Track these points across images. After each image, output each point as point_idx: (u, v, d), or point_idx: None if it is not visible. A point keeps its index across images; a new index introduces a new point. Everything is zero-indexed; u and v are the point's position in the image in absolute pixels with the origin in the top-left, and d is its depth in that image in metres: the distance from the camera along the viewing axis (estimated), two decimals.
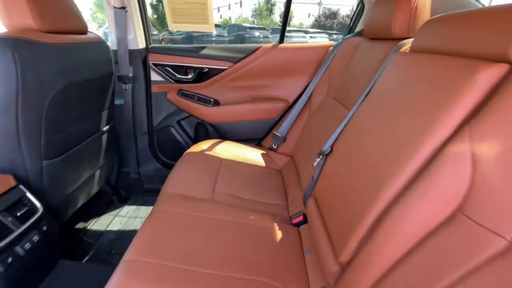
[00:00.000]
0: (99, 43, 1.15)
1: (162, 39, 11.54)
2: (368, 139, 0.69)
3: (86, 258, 1.24)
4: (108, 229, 1.44)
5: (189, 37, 10.64)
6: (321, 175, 0.91)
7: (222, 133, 1.64)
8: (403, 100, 0.61)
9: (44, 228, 0.91)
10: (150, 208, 1.61)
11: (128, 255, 0.71)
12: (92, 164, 1.26)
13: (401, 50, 0.80)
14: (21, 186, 0.89)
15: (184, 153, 1.32)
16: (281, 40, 1.57)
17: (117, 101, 1.48)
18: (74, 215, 1.29)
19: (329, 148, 0.89)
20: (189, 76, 1.53)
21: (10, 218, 0.81)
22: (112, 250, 1.29)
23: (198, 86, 1.57)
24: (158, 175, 1.69)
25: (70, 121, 1.02)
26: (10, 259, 0.78)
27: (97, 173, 1.35)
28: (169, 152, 1.70)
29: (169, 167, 1.67)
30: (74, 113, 1.03)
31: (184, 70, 1.53)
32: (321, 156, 0.91)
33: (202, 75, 1.54)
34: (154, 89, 1.56)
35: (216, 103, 1.61)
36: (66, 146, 1.03)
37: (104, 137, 1.31)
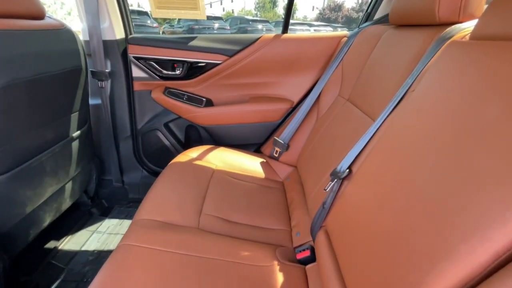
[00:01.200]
0: (62, 31, 0.94)
1: (163, 32, 11.26)
2: (415, 170, 0.47)
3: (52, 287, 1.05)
4: (83, 248, 1.24)
5: (190, 30, 10.36)
6: (336, 203, 0.70)
7: (216, 137, 1.43)
8: (480, 117, 0.39)
9: None
10: None
11: None
12: (59, 176, 1.06)
13: (453, 38, 0.58)
14: None
15: (169, 163, 1.11)
16: (285, 30, 1.34)
17: (93, 101, 1.28)
18: (43, 232, 1.10)
19: (347, 170, 0.68)
20: (177, 72, 1.32)
21: None
22: (84, 278, 1.10)
23: (188, 83, 1.36)
24: (145, 184, 1.49)
25: (19, 129, 0.81)
26: None
27: (68, 185, 1.15)
28: (156, 158, 1.50)
29: (157, 174, 1.47)
30: (24, 118, 0.82)
31: (171, 64, 1.31)
32: (335, 179, 0.70)
33: (192, 71, 1.33)
34: (136, 86, 1.35)
35: (209, 103, 1.39)
36: (15, 160, 0.83)
37: (75, 144, 1.11)
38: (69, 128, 1.06)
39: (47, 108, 0.91)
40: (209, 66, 1.31)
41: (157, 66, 1.30)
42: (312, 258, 0.76)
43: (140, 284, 0.60)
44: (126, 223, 1.41)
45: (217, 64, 1.31)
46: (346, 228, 0.62)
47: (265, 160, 1.27)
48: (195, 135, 1.47)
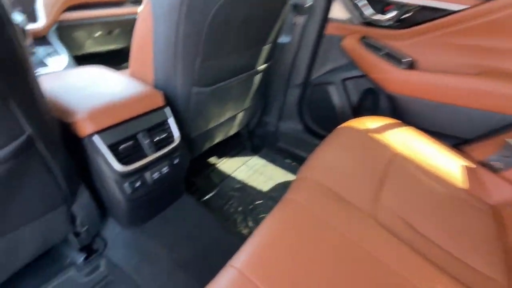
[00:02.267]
0: None
1: None
2: None
3: (207, 197, 1.20)
4: (233, 175, 1.36)
5: None
6: None
7: (401, 113, 1.12)
8: None
9: (176, 161, 0.83)
10: (276, 169, 1.41)
11: (235, 263, 0.48)
12: (237, 105, 1.11)
13: None
14: (168, 109, 0.80)
15: (339, 127, 0.94)
16: None
17: (281, 39, 1.22)
18: (210, 149, 1.25)
19: None
20: (387, 17, 1.03)
21: (147, 141, 0.74)
22: (229, 200, 1.20)
23: (394, 34, 1.06)
24: (297, 138, 1.42)
25: (226, 49, 0.82)
26: (138, 184, 0.73)
27: (240, 115, 1.21)
28: (319, 116, 1.37)
29: (313, 134, 1.36)
30: (231, 40, 0.82)
31: (381, 6, 1.03)
32: None
33: (407, 19, 1.00)
34: (329, 29, 1.17)
35: (411, 65, 1.06)
36: (217, 77, 0.88)
37: (257, 77, 1.10)
38: (258, 60, 1.04)
39: (249, 34, 0.88)
40: (438, 14, 0.94)
41: (363, 5, 1.06)
42: None
43: (296, 251, 0.50)
44: (270, 167, 1.43)
45: (452, 13, 0.92)
46: None
47: (470, 166, 0.88)
48: (373, 103, 1.21)
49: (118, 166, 0.67)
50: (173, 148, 0.79)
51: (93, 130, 0.63)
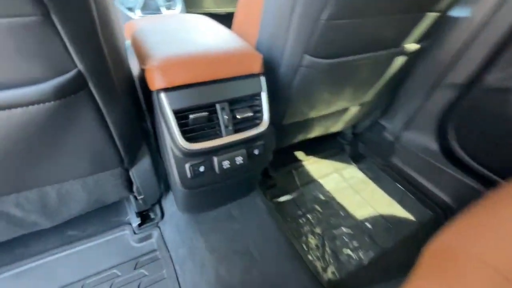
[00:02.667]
0: None
1: None
2: None
3: (282, 199, 0.97)
4: (320, 181, 1.07)
5: None
6: None
7: None
8: None
9: (258, 151, 0.61)
10: (379, 192, 1.04)
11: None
12: (357, 92, 0.79)
13: None
14: (264, 80, 0.58)
15: None
16: None
17: (455, 9, 0.79)
18: (301, 143, 0.99)
19: None
20: None
21: (226, 117, 0.54)
22: (308, 212, 0.93)
23: None
24: (424, 161, 1.00)
25: (363, 6, 0.51)
26: (201, 168, 0.55)
27: (354, 109, 0.89)
28: (479, 142, 0.89)
29: (457, 164, 0.92)
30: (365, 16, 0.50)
31: None
32: None
33: None
34: None
35: None
36: (341, 47, 0.59)
37: (399, 61, 0.75)
38: (407, 35, 0.68)
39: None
40: None
41: None
42: None
43: None
44: (372, 186, 1.07)
45: None
46: None
47: None
48: None
49: (181, 141, 0.50)
50: (258, 134, 0.57)
51: (162, 85, 0.47)
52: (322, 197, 1.00)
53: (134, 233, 0.80)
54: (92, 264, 0.73)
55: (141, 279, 0.72)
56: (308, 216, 0.93)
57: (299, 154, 1.16)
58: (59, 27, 0.32)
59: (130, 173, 0.60)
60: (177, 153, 0.52)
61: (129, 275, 0.73)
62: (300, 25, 0.52)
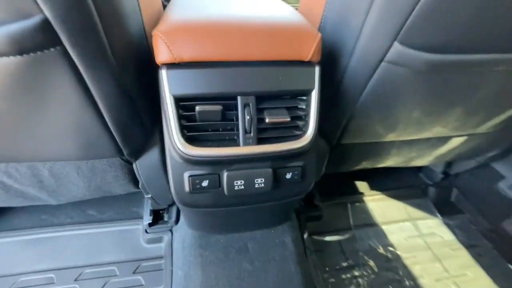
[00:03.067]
0: None
1: None
2: None
3: (325, 238, 0.74)
4: (384, 228, 0.80)
5: None
6: None
7: None
8: None
9: (291, 175, 0.42)
10: (474, 266, 0.71)
11: None
12: (462, 119, 0.51)
13: None
14: (318, 71, 0.38)
15: None
16: None
17: None
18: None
19: None
20: None
21: (248, 118, 0.36)
22: (357, 267, 0.68)
23: None
24: None
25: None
26: (204, 183, 0.39)
27: (459, 140, 0.61)
28: None
29: None
30: None
31: None
32: None
33: None
34: None
35: None
36: (445, 45, 0.35)
37: None
38: None
39: None
40: None
41: None
42: None
43: None
44: (462, 253, 0.74)
45: None
46: None
47: None
48: None
49: (178, 140, 0.35)
50: (294, 150, 0.38)
51: (166, 58, 0.33)
52: (381, 250, 0.73)
53: (146, 231, 0.72)
54: (98, 252, 0.69)
55: None
56: (356, 272, 0.68)
57: (360, 184, 0.90)
58: None
59: (134, 167, 0.49)
60: (175, 155, 0.38)
61: (125, 278, 0.67)
62: None
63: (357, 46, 0.39)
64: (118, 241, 0.73)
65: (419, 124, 0.52)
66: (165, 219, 0.72)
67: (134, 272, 0.68)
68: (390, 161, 0.69)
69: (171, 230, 0.72)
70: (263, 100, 0.37)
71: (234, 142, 0.37)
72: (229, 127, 0.37)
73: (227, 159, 0.37)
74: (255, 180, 0.39)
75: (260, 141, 0.37)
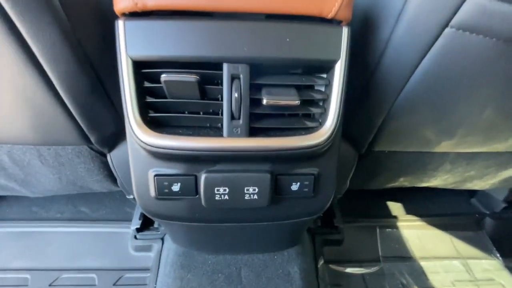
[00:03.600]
0: None
1: None
2: None
3: (347, 270, 0.59)
4: (423, 265, 0.63)
5: None
6: None
7: None
8: None
9: (297, 185, 0.29)
10: None
11: None
12: None
13: None
14: (345, 32, 0.26)
15: None
16: None
17: None
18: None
19: None
20: None
21: (236, 95, 0.25)
22: None
23: None
24: None
25: None
26: (175, 187, 0.28)
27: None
28: None
29: None
30: None
31: None
32: None
33: None
34: None
35: None
36: None
37: None
38: None
39: None
40: None
41: None
42: None
43: None
44: None
45: None
46: None
47: None
48: None
49: (136, 125, 0.25)
50: (306, 149, 0.26)
51: (126, 4, 0.23)
52: None
53: (135, 237, 0.63)
54: (81, 254, 0.63)
55: None
56: None
57: (394, 205, 0.74)
58: None
59: (108, 159, 0.40)
60: (135, 146, 0.27)
61: None
62: None
63: (406, 9, 0.26)
64: (105, 244, 0.66)
65: (490, 129, 0.37)
66: (156, 225, 0.62)
67: (114, 284, 0.59)
68: (438, 180, 0.53)
69: (162, 239, 0.62)
70: (261, 71, 0.25)
71: (218, 132, 0.26)
72: (211, 109, 0.26)
73: (205, 155, 0.26)
74: (245, 188, 0.28)
75: (254, 132, 0.26)
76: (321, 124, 0.27)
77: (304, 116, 0.27)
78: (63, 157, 0.40)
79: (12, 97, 0.30)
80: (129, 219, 0.69)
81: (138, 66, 0.25)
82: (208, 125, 0.27)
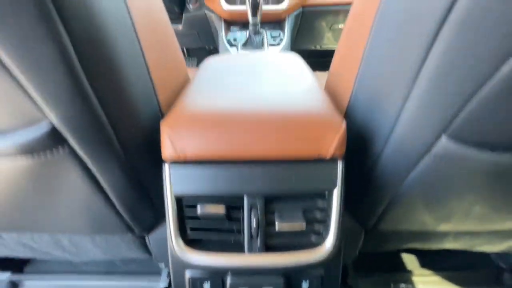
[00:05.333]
0: None
1: None
2: None
3: None
4: None
5: None
6: None
7: None
8: None
9: (306, 284, 0.35)
10: None
11: None
12: None
13: None
14: (340, 167, 0.33)
15: None
16: None
17: None
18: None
19: None
20: None
21: (255, 219, 0.31)
22: None
23: None
24: None
25: None
26: None
27: None
28: None
29: None
30: None
31: None
32: None
33: None
34: None
35: None
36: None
37: None
38: None
39: None
40: None
41: None
42: None
43: None
44: None
45: None
46: None
47: None
48: None
49: (177, 245, 0.32)
50: (311, 262, 0.32)
51: (171, 155, 0.31)
52: None
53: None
54: None
55: None
56: None
57: (408, 259, 0.75)
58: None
59: (146, 240, 0.48)
60: (174, 260, 0.34)
61: None
62: (440, 79, 0.25)
63: (392, 136, 0.32)
64: None
65: (483, 218, 0.40)
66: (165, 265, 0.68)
67: None
68: (446, 246, 0.56)
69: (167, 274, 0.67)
70: (273, 201, 0.32)
71: (238, 248, 0.32)
72: (234, 228, 0.33)
73: (229, 268, 0.32)
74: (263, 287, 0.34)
75: (269, 248, 0.32)
76: (323, 239, 0.33)
77: (310, 232, 0.33)
78: (111, 241, 0.48)
79: (78, 207, 0.38)
80: (159, 273, 0.74)
81: (179, 200, 0.32)
82: (232, 241, 0.33)
